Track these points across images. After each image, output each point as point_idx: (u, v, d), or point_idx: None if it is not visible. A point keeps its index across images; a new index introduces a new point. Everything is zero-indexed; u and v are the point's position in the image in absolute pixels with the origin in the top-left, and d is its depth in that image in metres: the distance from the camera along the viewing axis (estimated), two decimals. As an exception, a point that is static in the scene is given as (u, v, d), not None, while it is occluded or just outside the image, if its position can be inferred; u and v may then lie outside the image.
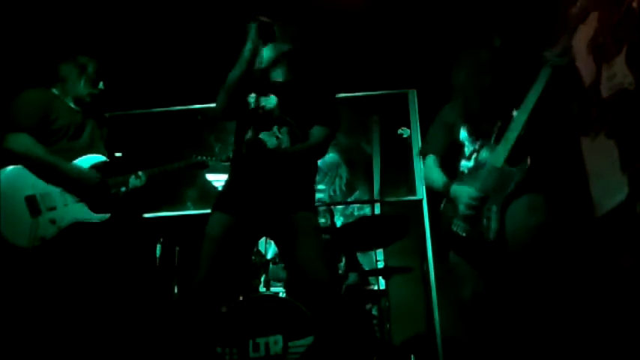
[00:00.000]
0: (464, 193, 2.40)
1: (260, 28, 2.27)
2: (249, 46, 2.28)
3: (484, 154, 2.40)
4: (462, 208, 2.39)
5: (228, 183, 2.45)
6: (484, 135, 2.42)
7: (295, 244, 2.30)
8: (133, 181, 2.76)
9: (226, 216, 2.32)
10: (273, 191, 2.29)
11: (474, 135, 2.47)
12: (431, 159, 2.65)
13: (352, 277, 3.71)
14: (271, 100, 2.40)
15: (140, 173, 2.77)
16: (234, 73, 2.30)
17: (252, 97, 2.39)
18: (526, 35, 3.05)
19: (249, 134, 2.35)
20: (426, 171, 2.67)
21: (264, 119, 2.35)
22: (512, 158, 2.30)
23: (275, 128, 2.36)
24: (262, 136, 2.34)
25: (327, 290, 2.28)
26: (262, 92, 2.38)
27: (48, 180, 2.61)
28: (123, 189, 2.80)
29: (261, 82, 2.41)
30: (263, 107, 2.36)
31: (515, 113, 2.32)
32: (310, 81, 2.48)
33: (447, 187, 2.49)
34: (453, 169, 2.54)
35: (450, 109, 2.61)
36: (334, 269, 3.63)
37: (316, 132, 2.37)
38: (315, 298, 2.29)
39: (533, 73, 2.28)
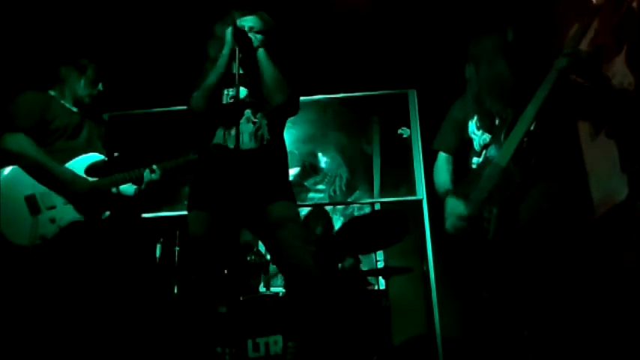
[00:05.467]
0: (454, 211, 2.40)
1: (235, 33, 2.30)
2: (225, 50, 2.33)
3: (492, 150, 2.37)
4: (449, 222, 2.40)
5: (198, 179, 2.41)
6: (494, 130, 2.40)
7: (277, 235, 2.29)
8: (149, 176, 2.75)
9: (203, 213, 2.31)
10: (247, 184, 2.27)
11: (482, 129, 2.44)
12: (442, 157, 2.64)
13: (349, 261, 3.70)
14: (241, 91, 2.40)
15: (154, 167, 2.76)
16: (212, 77, 2.34)
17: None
18: (538, 31, 3.03)
19: (221, 130, 2.33)
20: (435, 169, 2.66)
21: (236, 109, 2.34)
22: (518, 157, 2.27)
23: (248, 112, 2.36)
24: (238, 125, 2.32)
25: (314, 277, 2.27)
26: (228, 85, 2.38)
27: (40, 181, 2.61)
28: (133, 188, 2.80)
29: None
30: (237, 98, 2.36)
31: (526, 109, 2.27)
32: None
33: (444, 197, 2.50)
34: (465, 167, 2.52)
35: (461, 104, 2.58)
36: (333, 268, 3.63)
37: None
38: (302, 286, 2.27)
39: (545, 69, 2.25)
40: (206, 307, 2.33)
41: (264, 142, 2.35)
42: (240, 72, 2.39)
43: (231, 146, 2.26)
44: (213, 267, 2.29)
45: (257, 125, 2.36)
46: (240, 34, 2.31)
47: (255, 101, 2.39)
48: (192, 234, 2.30)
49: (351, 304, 3.34)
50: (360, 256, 4.17)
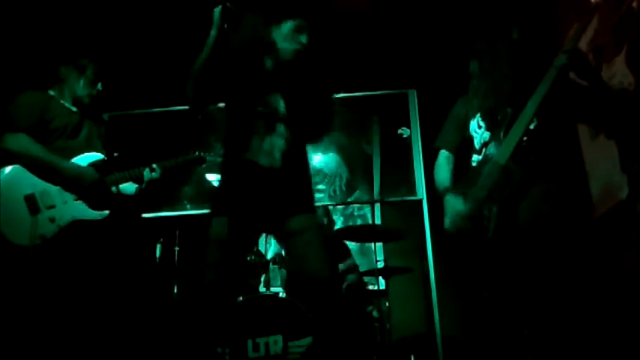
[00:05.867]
0: (453, 209, 2.41)
1: (224, 14, 2.22)
2: (213, 31, 2.24)
3: (492, 148, 2.38)
4: (448, 220, 2.41)
5: (224, 185, 2.39)
6: (494, 128, 2.40)
7: (294, 242, 2.29)
8: (149, 175, 2.74)
9: (227, 219, 2.30)
10: (272, 199, 2.26)
11: (483, 127, 2.45)
12: (443, 155, 2.65)
13: (351, 277, 3.72)
14: (277, 99, 2.35)
15: (154, 166, 2.76)
16: (199, 60, 2.27)
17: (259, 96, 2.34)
18: (538, 31, 3.04)
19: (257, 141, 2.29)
20: (435, 167, 2.67)
21: (269, 120, 2.30)
22: (518, 155, 2.27)
23: (281, 128, 2.30)
24: (270, 139, 2.29)
25: (329, 287, 2.28)
26: (266, 90, 2.33)
27: (46, 178, 2.61)
28: (134, 187, 2.80)
29: (265, 79, 2.35)
30: (274, 108, 2.32)
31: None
32: (313, 82, 2.45)
33: (443, 195, 2.51)
34: (466, 164, 2.53)
35: (463, 102, 2.58)
36: (334, 269, 3.63)
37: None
38: (316, 295, 2.27)
39: (545, 68, 2.25)
40: (218, 309, 2.33)
41: (293, 160, 2.32)
42: (274, 74, 2.35)
43: (262, 163, 2.25)
44: (229, 271, 2.30)
45: (288, 141, 2.31)
46: (228, 14, 2.23)
47: (288, 116, 2.33)
48: (212, 238, 2.29)
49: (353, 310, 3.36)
50: (360, 256, 4.18)
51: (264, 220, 2.29)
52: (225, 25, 2.22)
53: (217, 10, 2.24)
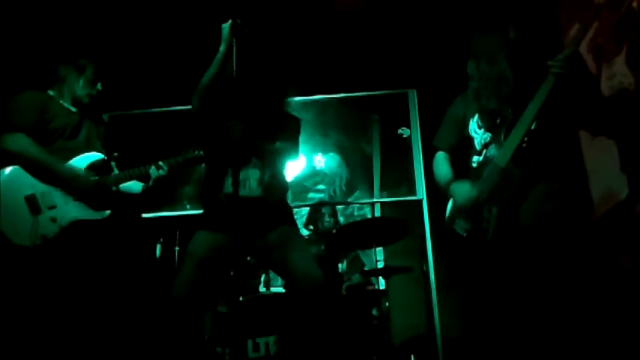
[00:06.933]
0: (460, 193, 2.40)
1: (233, 29, 2.24)
2: (222, 47, 2.26)
3: (492, 150, 2.37)
4: (459, 202, 2.41)
5: (209, 205, 2.44)
6: (494, 129, 2.39)
7: (284, 252, 2.30)
8: (156, 172, 2.73)
9: (211, 235, 2.31)
10: (250, 223, 2.29)
11: (483, 128, 2.44)
12: (441, 155, 2.65)
13: (356, 277, 3.71)
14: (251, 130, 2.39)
15: (161, 163, 2.75)
16: (207, 74, 2.28)
17: (234, 125, 2.37)
18: (539, 30, 3.03)
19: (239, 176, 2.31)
20: (434, 166, 2.67)
21: (245, 151, 2.34)
22: (518, 157, 2.27)
23: (255, 159, 2.36)
24: (247, 172, 2.34)
25: (324, 288, 2.27)
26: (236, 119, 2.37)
27: (43, 179, 2.62)
28: (140, 185, 2.80)
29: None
30: (250, 138, 2.36)
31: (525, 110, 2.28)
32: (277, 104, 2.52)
33: (447, 186, 2.50)
34: (465, 165, 2.53)
35: (461, 101, 2.58)
36: (334, 269, 3.63)
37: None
38: (312, 297, 2.27)
39: (545, 68, 2.24)
40: (188, 324, 2.33)
41: (270, 188, 2.37)
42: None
43: (241, 194, 2.25)
44: (202, 288, 2.30)
45: (262, 170, 2.37)
46: (237, 30, 2.24)
47: (261, 147, 2.38)
48: (191, 252, 2.30)
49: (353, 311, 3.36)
50: (361, 256, 4.18)
51: (245, 236, 2.31)
52: (234, 41, 2.22)
53: (226, 26, 2.25)
